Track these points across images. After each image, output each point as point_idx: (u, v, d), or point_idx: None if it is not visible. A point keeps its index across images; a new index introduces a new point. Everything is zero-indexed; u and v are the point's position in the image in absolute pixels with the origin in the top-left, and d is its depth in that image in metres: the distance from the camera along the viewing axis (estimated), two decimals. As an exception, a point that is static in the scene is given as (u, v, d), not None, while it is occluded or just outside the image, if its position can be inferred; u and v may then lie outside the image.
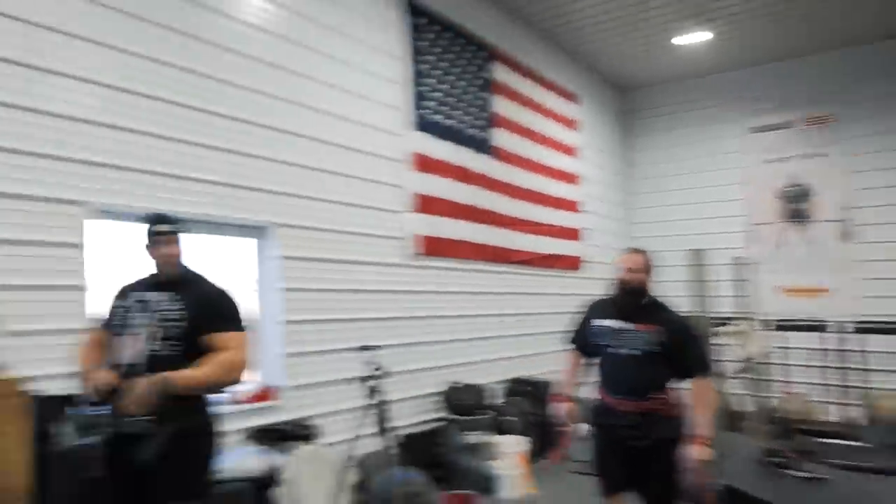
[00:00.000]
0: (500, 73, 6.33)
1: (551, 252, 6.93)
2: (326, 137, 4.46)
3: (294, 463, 3.53)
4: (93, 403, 2.26)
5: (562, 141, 7.30)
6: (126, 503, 2.27)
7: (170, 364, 2.22)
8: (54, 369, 2.79)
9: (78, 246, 3.11)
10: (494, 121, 6.19)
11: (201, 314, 2.32)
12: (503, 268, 6.19)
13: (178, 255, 2.42)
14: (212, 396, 2.41)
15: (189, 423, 2.26)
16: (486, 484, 4.64)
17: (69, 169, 3.10)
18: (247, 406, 3.82)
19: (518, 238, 6.41)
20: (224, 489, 2.98)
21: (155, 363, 2.23)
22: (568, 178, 7.37)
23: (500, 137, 6.26)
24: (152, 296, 2.37)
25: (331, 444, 3.99)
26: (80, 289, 3.09)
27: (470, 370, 5.54)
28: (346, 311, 4.49)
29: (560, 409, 3.10)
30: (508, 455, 4.91)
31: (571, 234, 7.36)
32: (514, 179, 6.43)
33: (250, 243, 4.14)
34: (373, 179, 4.82)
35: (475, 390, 5.30)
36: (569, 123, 7.47)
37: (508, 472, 4.69)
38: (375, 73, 4.92)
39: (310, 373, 4.20)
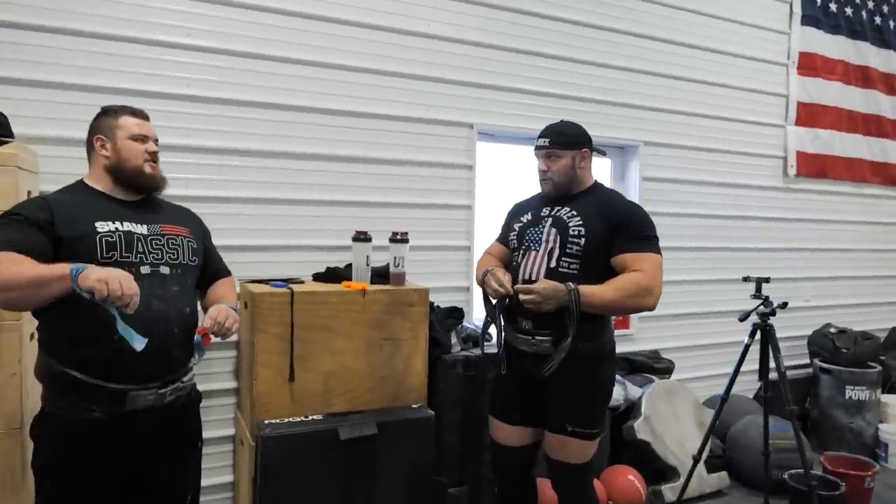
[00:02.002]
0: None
1: None
2: (697, 42, 3.96)
3: (651, 396, 3.37)
4: (488, 311, 2.21)
5: None
6: (519, 414, 2.25)
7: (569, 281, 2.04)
8: (445, 283, 3.04)
9: (470, 167, 3.24)
10: (915, 1, 4.80)
11: (608, 231, 2.09)
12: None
13: (551, 171, 2.19)
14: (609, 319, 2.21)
15: (589, 345, 2.08)
16: (870, 449, 3.94)
17: (461, 92, 3.19)
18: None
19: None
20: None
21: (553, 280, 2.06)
22: None
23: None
24: (550, 212, 2.20)
25: (685, 381, 3.74)
26: (470, 208, 3.23)
27: (849, 314, 4.68)
28: (703, 238, 4.06)
29: None
30: (901, 419, 4.08)
31: None
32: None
33: (603, 163, 3.92)
34: (749, 88, 4.18)
35: (855, 337, 4.43)
36: None
37: (901, 440, 3.90)
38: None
39: (661, 304, 3.92)
